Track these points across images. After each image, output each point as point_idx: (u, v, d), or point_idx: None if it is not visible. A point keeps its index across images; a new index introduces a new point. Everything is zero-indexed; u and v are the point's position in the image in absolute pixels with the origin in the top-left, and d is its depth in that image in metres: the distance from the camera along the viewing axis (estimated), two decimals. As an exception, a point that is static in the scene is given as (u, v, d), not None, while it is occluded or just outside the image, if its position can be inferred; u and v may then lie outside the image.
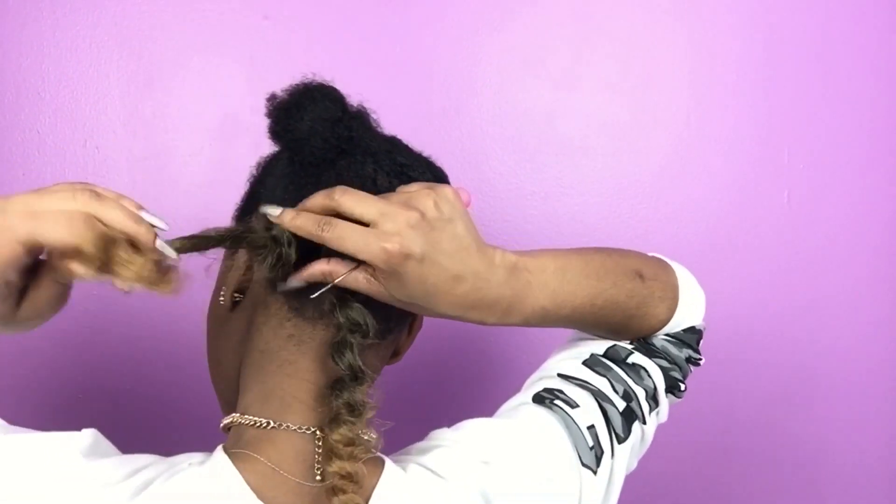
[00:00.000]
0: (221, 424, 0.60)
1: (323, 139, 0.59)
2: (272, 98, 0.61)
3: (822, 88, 1.21)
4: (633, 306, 0.67)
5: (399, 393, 1.12)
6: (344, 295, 0.57)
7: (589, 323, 0.67)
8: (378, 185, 0.59)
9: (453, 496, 0.58)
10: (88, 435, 0.55)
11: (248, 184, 0.66)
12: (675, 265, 0.73)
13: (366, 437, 0.55)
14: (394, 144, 0.64)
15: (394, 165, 0.61)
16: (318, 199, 0.55)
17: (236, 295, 0.62)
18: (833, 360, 1.22)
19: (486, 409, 0.70)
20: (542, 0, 1.16)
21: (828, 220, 1.21)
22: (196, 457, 0.57)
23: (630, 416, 0.68)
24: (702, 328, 0.74)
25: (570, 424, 0.64)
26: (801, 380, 1.22)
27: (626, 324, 0.68)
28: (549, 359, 0.73)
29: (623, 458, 0.67)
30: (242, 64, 1.09)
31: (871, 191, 1.22)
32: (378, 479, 0.57)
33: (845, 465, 1.23)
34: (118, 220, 0.51)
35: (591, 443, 0.65)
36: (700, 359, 0.74)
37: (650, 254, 0.73)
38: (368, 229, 0.53)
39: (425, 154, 0.67)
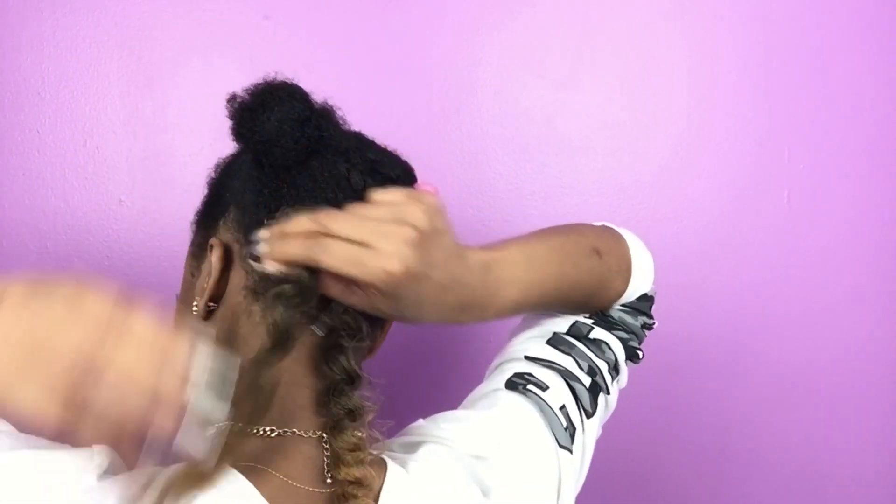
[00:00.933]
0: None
1: (293, 140, 0.57)
2: (233, 98, 0.59)
3: (822, 88, 1.21)
4: (593, 283, 0.68)
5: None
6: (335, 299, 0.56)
7: (554, 306, 0.69)
8: (352, 184, 0.58)
9: (456, 493, 0.59)
10: (103, 454, 0.51)
11: (208, 186, 0.65)
12: (623, 232, 0.74)
13: (368, 440, 0.55)
14: (361, 141, 0.63)
15: (365, 162, 0.60)
16: (302, 224, 0.53)
17: (210, 304, 0.59)
18: (833, 360, 1.22)
19: (459, 392, 0.70)
20: (542, 0, 1.16)
21: (828, 220, 1.21)
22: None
23: (595, 389, 0.69)
24: (653, 293, 0.75)
25: (545, 408, 0.65)
26: (801, 380, 1.22)
27: (587, 301, 0.70)
28: (512, 339, 0.73)
29: (593, 431, 0.69)
30: (242, 64, 1.09)
31: (871, 191, 1.22)
32: (384, 480, 0.57)
33: (845, 465, 1.23)
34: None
35: (564, 423, 0.65)
36: (653, 323, 0.75)
37: (599, 223, 0.74)
38: (366, 250, 0.52)
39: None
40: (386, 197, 0.55)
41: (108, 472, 0.51)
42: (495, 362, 0.73)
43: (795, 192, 1.20)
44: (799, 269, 1.21)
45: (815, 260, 1.21)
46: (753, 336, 1.21)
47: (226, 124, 1.14)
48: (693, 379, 1.20)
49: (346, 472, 0.53)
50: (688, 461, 1.21)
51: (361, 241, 0.52)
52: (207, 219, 0.63)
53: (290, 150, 0.57)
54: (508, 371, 0.69)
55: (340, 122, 0.63)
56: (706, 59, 1.19)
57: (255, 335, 0.56)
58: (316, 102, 0.61)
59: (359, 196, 0.57)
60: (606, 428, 0.75)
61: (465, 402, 0.70)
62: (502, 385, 0.68)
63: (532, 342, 0.71)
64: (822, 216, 1.21)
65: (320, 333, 0.56)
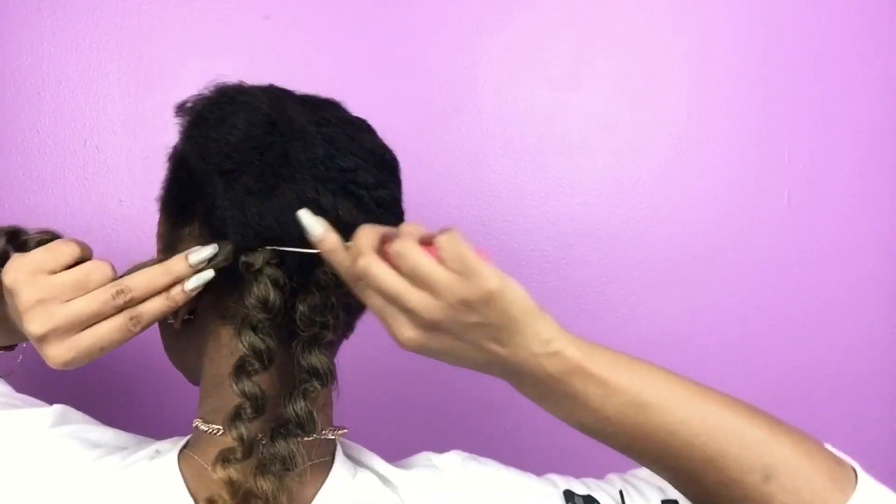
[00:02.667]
0: (193, 424, 0.60)
1: (257, 171, 0.53)
2: (181, 107, 0.56)
3: (822, 88, 1.21)
4: (720, 500, 0.52)
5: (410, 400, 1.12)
6: (311, 340, 0.55)
7: (645, 463, 0.56)
8: (324, 208, 0.54)
9: None
10: (54, 409, 0.60)
11: (170, 165, 0.62)
12: (874, 489, 0.54)
13: (298, 457, 0.53)
14: (332, 143, 0.57)
15: (337, 177, 0.56)
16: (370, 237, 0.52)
17: (187, 316, 0.60)
18: (833, 360, 1.22)
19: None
20: (542, 0, 1.16)
21: (828, 220, 1.21)
22: (166, 445, 0.60)
23: None
24: None
25: None
26: (801, 380, 1.22)
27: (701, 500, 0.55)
28: (630, 473, 0.64)
29: None
30: (242, 64, 1.09)
31: (871, 191, 1.22)
32: (321, 486, 0.57)
33: (845, 465, 1.23)
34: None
35: None
36: None
37: (843, 455, 0.57)
38: (396, 316, 0.51)
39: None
40: (458, 250, 0.50)
41: (61, 422, 0.59)
42: (610, 476, 0.64)
43: (795, 192, 1.20)
44: (799, 269, 1.21)
45: (815, 260, 1.21)
46: (753, 336, 1.20)
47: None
48: (692, 378, 1.20)
49: (260, 483, 0.51)
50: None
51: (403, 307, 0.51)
52: (172, 216, 0.61)
53: (256, 179, 0.54)
54: (587, 486, 0.61)
55: (305, 121, 0.57)
56: (706, 59, 1.19)
57: (221, 355, 0.58)
58: (282, 112, 0.56)
59: (335, 219, 0.54)
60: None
61: (525, 472, 0.63)
62: (563, 489, 0.60)
63: (650, 488, 0.61)
64: (822, 216, 1.21)
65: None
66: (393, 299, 0.50)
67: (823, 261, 1.21)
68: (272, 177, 0.54)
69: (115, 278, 0.54)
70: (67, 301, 0.52)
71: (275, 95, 0.59)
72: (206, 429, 0.57)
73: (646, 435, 0.51)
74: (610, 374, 0.51)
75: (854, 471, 0.55)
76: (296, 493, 0.56)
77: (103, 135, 1.07)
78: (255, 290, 0.53)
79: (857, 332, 1.23)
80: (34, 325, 0.52)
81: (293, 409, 0.53)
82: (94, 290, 0.52)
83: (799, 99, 1.20)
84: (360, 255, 0.51)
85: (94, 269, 0.53)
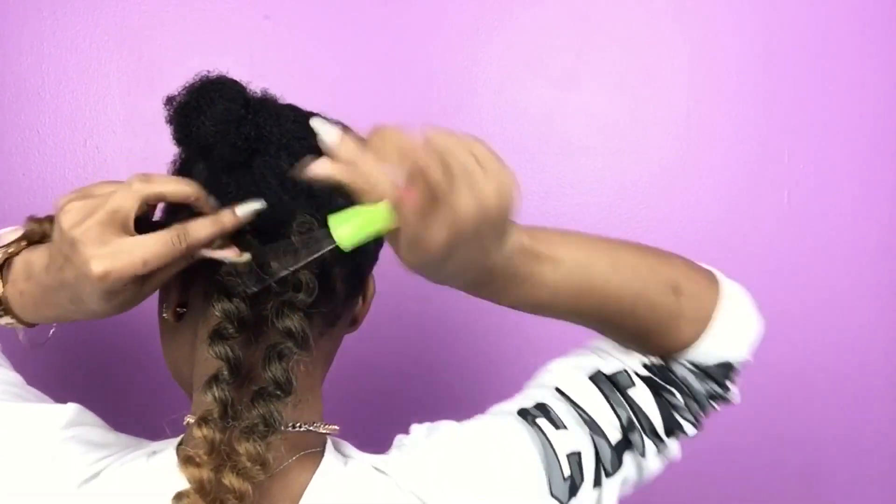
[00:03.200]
0: (184, 422, 0.61)
1: (230, 143, 0.56)
2: (170, 101, 0.59)
3: (822, 88, 1.21)
4: (653, 323, 0.60)
5: (394, 389, 1.12)
6: (284, 303, 0.55)
7: (591, 324, 0.62)
8: (298, 180, 0.55)
9: (391, 494, 0.57)
10: (70, 409, 0.59)
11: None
12: (729, 286, 0.65)
13: (268, 454, 0.53)
14: (306, 127, 0.57)
15: (311, 154, 0.55)
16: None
17: (179, 308, 0.61)
18: (833, 360, 1.22)
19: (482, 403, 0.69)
20: (542, 0, 1.16)
21: (828, 220, 1.21)
22: (162, 444, 0.60)
23: (623, 447, 0.63)
24: (738, 363, 0.65)
25: (548, 450, 0.60)
26: (801, 380, 1.22)
27: (637, 337, 0.63)
28: (556, 360, 0.68)
29: (613, 490, 0.63)
30: (242, 64, 1.09)
31: (871, 191, 1.22)
32: (312, 475, 0.58)
33: (845, 465, 1.23)
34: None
35: (566, 472, 0.60)
36: (728, 396, 0.67)
37: (704, 265, 0.65)
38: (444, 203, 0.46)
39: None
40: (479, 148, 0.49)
41: (74, 423, 0.58)
42: (532, 380, 0.68)
43: (795, 192, 1.20)
44: (799, 269, 1.21)
45: (815, 260, 1.21)
46: (753, 336, 1.20)
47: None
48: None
49: (230, 481, 0.52)
50: (687, 461, 1.21)
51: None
52: (166, 215, 0.63)
53: (230, 152, 0.57)
54: (531, 398, 0.64)
55: (279, 109, 0.60)
56: (706, 59, 1.19)
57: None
58: (254, 95, 0.60)
59: (308, 192, 0.56)
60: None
61: (483, 414, 0.66)
62: (515, 410, 0.64)
63: (571, 372, 0.65)
64: (822, 216, 1.21)
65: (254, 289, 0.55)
66: (461, 172, 0.46)
67: (823, 260, 1.21)
68: (246, 151, 0.57)
69: None
70: (105, 200, 0.54)
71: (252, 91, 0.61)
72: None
73: (588, 293, 0.57)
74: (556, 250, 0.56)
75: (708, 269, 0.65)
76: (291, 480, 0.57)
77: (103, 135, 1.07)
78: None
79: (857, 332, 1.23)
80: (68, 217, 0.53)
81: (270, 371, 0.54)
82: None
83: (799, 99, 1.20)
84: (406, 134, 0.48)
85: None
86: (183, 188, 0.55)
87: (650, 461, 0.66)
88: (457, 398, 1.13)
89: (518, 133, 1.15)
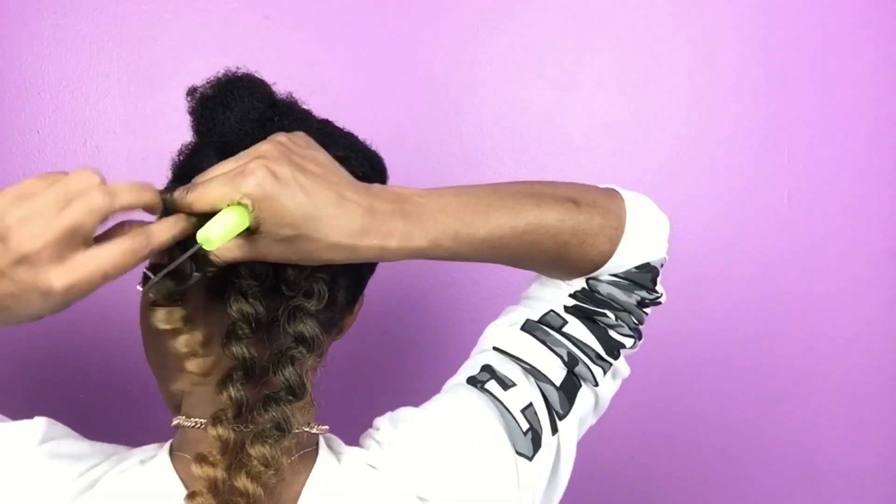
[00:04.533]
0: (172, 423, 0.60)
1: (253, 141, 0.55)
2: (193, 92, 0.58)
3: (822, 88, 1.21)
4: (566, 232, 0.60)
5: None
6: (296, 308, 0.55)
7: (517, 251, 0.60)
8: None
9: (387, 488, 0.58)
10: (41, 424, 0.57)
11: (171, 170, 0.63)
12: (630, 194, 0.66)
13: (283, 458, 0.53)
14: (327, 135, 0.60)
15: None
16: (177, 225, 0.52)
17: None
18: (832, 359, 1.22)
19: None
20: (542, 0, 1.16)
21: (828, 220, 1.21)
22: (148, 451, 0.59)
23: (572, 385, 0.64)
24: (658, 263, 0.66)
25: (503, 411, 0.62)
26: (800, 379, 1.22)
27: (562, 254, 0.61)
28: (492, 323, 0.69)
29: (570, 431, 0.64)
30: (242, 64, 1.08)
31: (871, 191, 1.22)
32: (309, 474, 0.58)
33: (845, 465, 1.23)
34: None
35: (524, 427, 0.62)
36: (658, 297, 0.67)
37: (603, 185, 0.66)
38: (235, 172, 0.50)
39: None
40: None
41: (47, 438, 0.56)
42: (475, 349, 0.70)
43: (795, 192, 1.20)
44: (799, 269, 1.21)
45: (814, 260, 1.21)
46: (753, 335, 1.21)
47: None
48: (693, 379, 1.20)
49: (242, 483, 0.52)
50: (687, 461, 1.21)
51: (226, 171, 0.51)
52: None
53: None
54: (475, 365, 0.66)
55: (304, 114, 0.61)
56: (706, 59, 1.19)
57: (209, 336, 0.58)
58: (279, 97, 0.60)
59: None
60: (604, 426, 0.73)
61: (435, 396, 0.67)
62: (464, 380, 0.65)
63: (504, 330, 0.67)
64: (822, 216, 1.21)
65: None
66: (231, 167, 0.51)
67: (823, 261, 1.21)
68: None
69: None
70: (61, 211, 0.47)
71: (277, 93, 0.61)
72: (191, 423, 0.57)
73: (494, 225, 0.58)
74: (430, 189, 0.58)
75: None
76: (289, 480, 0.57)
77: (103, 135, 1.07)
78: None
79: (857, 332, 1.23)
80: (23, 238, 0.46)
81: (283, 375, 0.54)
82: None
83: (799, 99, 1.20)
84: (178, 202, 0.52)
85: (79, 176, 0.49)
86: (144, 196, 0.51)
87: (604, 387, 0.66)
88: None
89: (518, 133, 1.15)
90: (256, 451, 0.52)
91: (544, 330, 0.65)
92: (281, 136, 0.52)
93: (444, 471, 0.60)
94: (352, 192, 0.53)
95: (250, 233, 0.51)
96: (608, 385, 0.67)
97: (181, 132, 1.06)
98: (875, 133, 1.22)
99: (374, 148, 0.64)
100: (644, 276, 0.65)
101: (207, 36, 1.09)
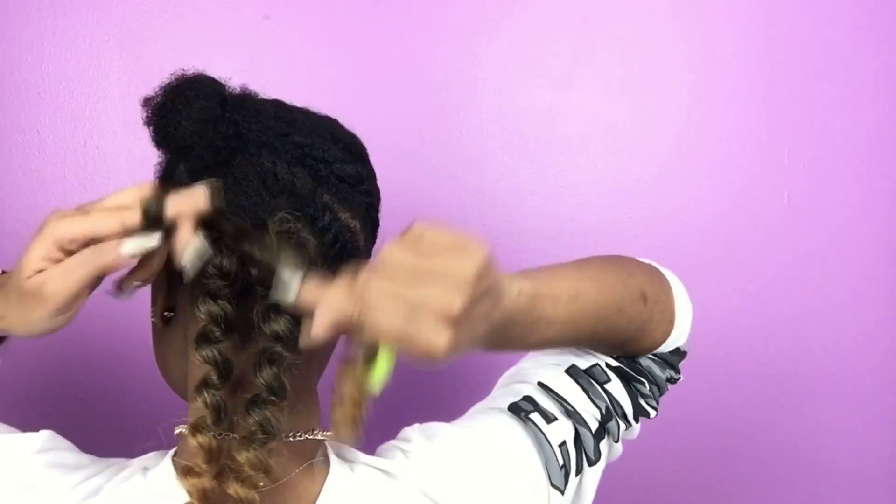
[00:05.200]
0: (175, 432, 0.59)
1: (207, 143, 0.54)
2: (148, 102, 0.57)
3: (822, 88, 1.21)
4: (632, 331, 0.64)
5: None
6: (270, 307, 0.53)
7: (584, 344, 0.65)
8: (280, 179, 0.55)
9: (400, 494, 0.58)
10: (43, 435, 0.57)
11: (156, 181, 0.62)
12: (669, 277, 0.69)
13: (270, 460, 0.52)
14: (288, 122, 0.58)
15: (293, 150, 0.56)
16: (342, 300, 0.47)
17: (166, 312, 0.59)
18: (832, 360, 1.22)
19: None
20: (542, 0, 1.16)
21: (828, 220, 1.21)
22: (151, 460, 0.58)
23: (601, 437, 0.66)
24: (685, 350, 0.72)
25: (543, 442, 0.62)
26: (801, 380, 1.22)
27: (622, 346, 0.66)
28: (528, 357, 0.70)
29: (593, 479, 0.66)
30: (242, 64, 1.09)
31: (871, 191, 1.22)
32: (322, 486, 0.57)
33: (844, 466, 1.23)
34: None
35: (561, 461, 0.63)
36: (679, 378, 0.72)
37: (646, 261, 0.70)
38: (412, 323, 0.45)
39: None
40: (432, 237, 0.47)
41: (47, 448, 0.57)
42: (506, 377, 0.70)
43: (795, 192, 1.20)
44: (799, 269, 1.21)
45: (814, 260, 1.21)
46: (753, 336, 1.20)
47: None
48: (692, 379, 1.20)
49: (234, 489, 0.51)
50: (687, 461, 1.21)
51: (407, 305, 0.45)
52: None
53: (208, 153, 0.55)
54: (516, 393, 0.66)
55: (258, 105, 0.58)
56: (706, 59, 1.19)
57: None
58: (231, 91, 0.58)
59: (290, 191, 0.54)
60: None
61: (467, 414, 0.67)
62: (505, 406, 0.65)
63: (549, 368, 0.67)
64: (822, 216, 1.21)
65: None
66: (411, 304, 0.45)
67: (823, 261, 1.21)
68: (225, 149, 0.55)
69: None
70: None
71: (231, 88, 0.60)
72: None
73: (583, 320, 0.59)
74: (551, 286, 0.57)
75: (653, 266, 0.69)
76: (301, 491, 0.56)
77: (103, 135, 1.07)
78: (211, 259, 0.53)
79: (857, 332, 1.23)
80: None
81: (262, 377, 0.52)
82: None
83: (799, 99, 1.20)
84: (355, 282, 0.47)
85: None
86: (117, 221, 0.52)
87: (618, 445, 0.70)
88: (456, 399, 1.13)
89: (518, 133, 1.15)
90: (243, 456, 0.51)
91: (589, 380, 0.67)
92: (469, 273, 0.45)
93: (470, 486, 0.59)
94: (496, 319, 0.50)
95: None
96: (620, 445, 0.70)
97: (181, 132, 1.07)
98: (875, 133, 1.22)
99: (374, 147, 0.62)
100: (675, 359, 0.71)
101: (207, 36, 1.09)
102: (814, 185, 1.21)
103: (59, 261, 0.51)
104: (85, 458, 0.59)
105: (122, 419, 1.06)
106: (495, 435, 0.63)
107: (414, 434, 0.63)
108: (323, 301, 0.48)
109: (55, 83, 1.06)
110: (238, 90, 0.59)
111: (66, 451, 0.59)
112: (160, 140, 0.57)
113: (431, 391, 1.13)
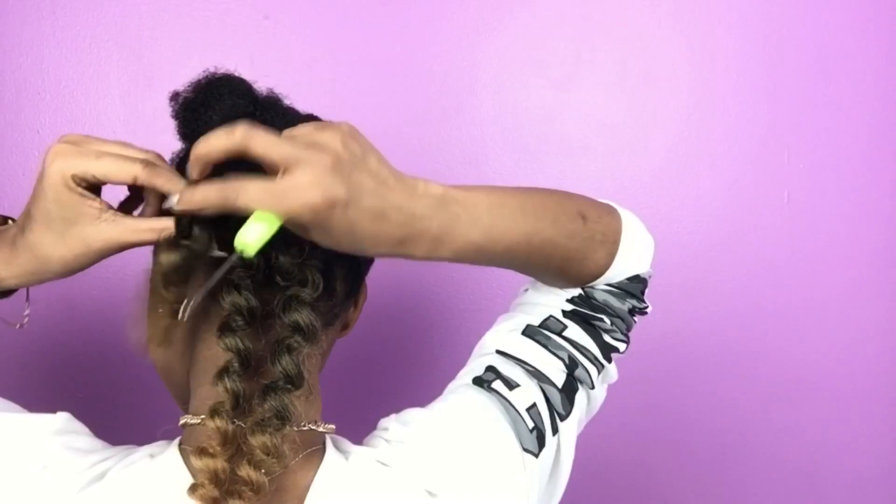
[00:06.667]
0: (179, 423, 0.60)
1: None
2: (175, 96, 0.59)
3: (822, 88, 1.21)
4: (572, 248, 0.63)
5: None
6: (290, 297, 0.55)
7: (526, 263, 0.64)
8: None
9: (395, 484, 0.59)
10: (61, 417, 0.58)
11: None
12: (624, 212, 0.70)
13: (284, 445, 0.54)
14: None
15: None
16: (219, 142, 0.50)
17: (176, 305, 0.60)
18: (832, 359, 1.22)
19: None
20: (542, 0, 1.16)
21: (828, 220, 1.21)
22: (157, 447, 0.59)
23: (571, 387, 0.66)
24: (647, 276, 0.71)
25: (509, 409, 0.64)
26: (801, 379, 1.22)
27: (565, 267, 0.65)
28: (490, 330, 0.71)
29: (570, 432, 0.67)
30: (242, 64, 1.09)
31: (871, 191, 1.22)
32: (316, 472, 0.58)
33: (845, 465, 1.24)
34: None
35: (530, 425, 0.64)
36: (645, 307, 0.71)
37: (602, 200, 0.70)
38: (285, 183, 0.48)
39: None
40: (296, 131, 0.52)
41: (64, 431, 0.58)
42: (473, 353, 0.72)
43: (795, 192, 1.20)
44: (799, 269, 1.21)
45: (814, 260, 1.21)
46: (753, 336, 1.21)
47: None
48: (692, 379, 1.20)
49: (245, 472, 0.52)
50: (686, 461, 1.21)
51: (280, 164, 0.49)
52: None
53: None
54: (478, 367, 0.68)
55: (286, 110, 0.61)
56: (706, 59, 1.19)
57: (211, 333, 0.58)
58: (260, 93, 0.60)
59: None
60: (603, 427, 0.74)
61: (438, 398, 0.68)
62: (470, 381, 0.67)
63: (506, 335, 0.69)
64: (822, 216, 1.21)
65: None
66: (286, 157, 0.49)
67: (823, 261, 1.21)
68: None
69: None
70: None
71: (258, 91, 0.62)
72: (197, 421, 0.58)
73: (511, 225, 0.59)
74: (467, 193, 0.57)
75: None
76: (296, 479, 0.57)
77: (103, 135, 1.05)
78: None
79: (857, 332, 1.23)
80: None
81: (280, 365, 0.54)
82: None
83: (799, 99, 1.20)
84: (222, 137, 0.51)
85: None
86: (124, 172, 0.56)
87: (597, 389, 0.69)
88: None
89: (518, 133, 1.15)
90: (257, 440, 0.53)
91: (545, 334, 0.67)
92: (336, 143, 0.50)
93: (454, 466, 0.61)
94: (396, 197, 0.52)
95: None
96: (600, 388, 0.70)
97: (181, 132, 1.07)
98: (875, 133, 1.22)
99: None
100: (635, 287, 0.69)
101: (207, 36, 1.09)
102: (814, 185, 1.21)
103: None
104: (98, 443, 0.60)
105: (122, 419, 1.06)
106: (463, 410, 0.64)
107: (391, 423, 0.64)
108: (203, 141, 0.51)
109: (55, 83, 1.06)
110: (264, 92, 0.61)
111: (82, 435, 0.60)
112: (188, 133, 0.59)
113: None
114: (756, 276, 1.20)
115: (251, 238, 0.49)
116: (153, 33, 1.08)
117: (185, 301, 0.56)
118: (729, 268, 1.20)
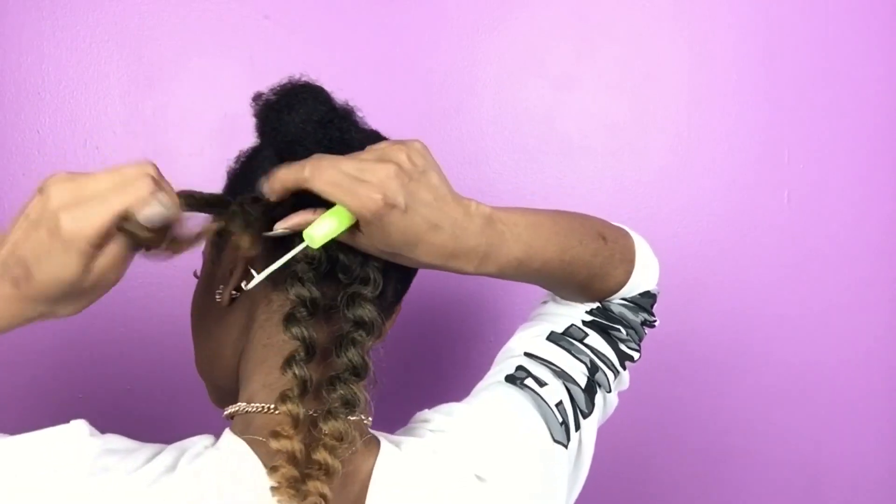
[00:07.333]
0: (226, 413, 0.61)
1: (314, 140, 0.59)
2: (258, 97, 0.61)
3: (822, 88, 1.21)
4: (596, 265, 0.70)
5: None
6: (354, 294, 0.58)
7: (557, 279, 0.69)
8: None
9: (447, 470, 0.61)
10: (82, 423, 0.57)
11: (228, 176, 0.66)
12: (632, 233, 0.76)
13: (354, 432, 0.56)
14: (381, 140, 0.64)
15: None
16: (289, 175, 0.56)
17: (233, 292, 0.63)
18: (832, 360, 1.22)
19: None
20: (542, 0, 1.16)
21: (828, 220, 1.21)
22: (207, 439, 0.59)
23: (592, 388, 0.72)
24: (656, 293, 0.77)
25: (541, 403, 0.68)
26: (800, 379, 1.22)
27: (590, 283, 0.71)
28: (513, 337, 0.76)
29: (590, 431, 0.71)
30: (242, 64, 1.09)
31: (871, 191, 1.22)
32: (375, 459, 0.60)
33: (845, 465, 1.24)
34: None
35: (560, 419, 0.68)
36: (655, 321, 0.77)
37: (613, 222, 0.76)
38: (354, 178, 0.54)
39: None
40: (374, 146, 0.58)
41: (95, 434, 0.56)
42: (497, 358, 0.76)
43: (795, 192, 1.20)
44: (799, 269, 1.21)
45: (814, 260, 1.21)
46: (753, 336, 1.21)
47: (225, 124, 1.14)
48: (692, 379, 1.20)
49: (322, 456, 0.54)
50: (686, 461, 1.21)
51: (348, 173, 0.54)
52: (234, 185, 0.65)
53: (312, 150, 0.59)
54: (508, 367, 0.72)
55: (360, 122, 0.66)
56: (706, 59, 1.19)
57: (272, 321, 0.61)
58: (338, 104, 0.63)
59: None
60: (604, 426, 0.75)
61: (468, 397, 0.71)
62: (502, 378, 0.71)
63: (532, 339, 0.74)
64: (822, 216, 1.21)
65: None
66: (354, 167, 0.54)
67: (823, 261, 1.21)
68: (329, 150, 0.59)
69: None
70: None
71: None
72: (254, 408, 0.59)
73: (546, 244, 0.65)
74: (508, 214, 0.63)
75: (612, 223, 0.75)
76: (358, 465, 0.59)
77: (103, 135, 1.07)
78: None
79: (857, 332, 1.23)
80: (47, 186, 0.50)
81: (346, 357, 0.57)
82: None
83: (799, 99, 1.20)
84: (293, 171, 0.56)
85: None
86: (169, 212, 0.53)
87: (613, 394, 0.75)
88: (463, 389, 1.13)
89: (518, 133, 1.15)
90: (330, 426, 0.55)
91: (569, 341, 0.73)
92: (402, 155, 0.56)
93: (498, 453, 0.64)
94: (452, 213, 0.58)
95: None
96: (614, 393, 0.75)
97: (181, 132, 1.07)
98: (875, 133, 1.22)
99: None
100: (646, 301, 0.76)
101: (207, 36, 1.09)
102: (814, 185, 1.21)
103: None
104: (130, 441, 0.59)
105: (122, 418, 1.06)
106: (500, 403, 0.68)
107: (431, 415, 0.67)
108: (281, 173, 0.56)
109: (55, 83, 1.06)
110: (343, 103, 0.65)
111: (109, 436, 0.58)
112: (267, 131, 0.62)
113: (432, 386, 1.13)
114: (756, 276, 1.20)
115: (319, 232, 0.55)
116: (153, 33, 1.08)
117: (249, 278, 0.59)
118: (729, 268, 1.20)
